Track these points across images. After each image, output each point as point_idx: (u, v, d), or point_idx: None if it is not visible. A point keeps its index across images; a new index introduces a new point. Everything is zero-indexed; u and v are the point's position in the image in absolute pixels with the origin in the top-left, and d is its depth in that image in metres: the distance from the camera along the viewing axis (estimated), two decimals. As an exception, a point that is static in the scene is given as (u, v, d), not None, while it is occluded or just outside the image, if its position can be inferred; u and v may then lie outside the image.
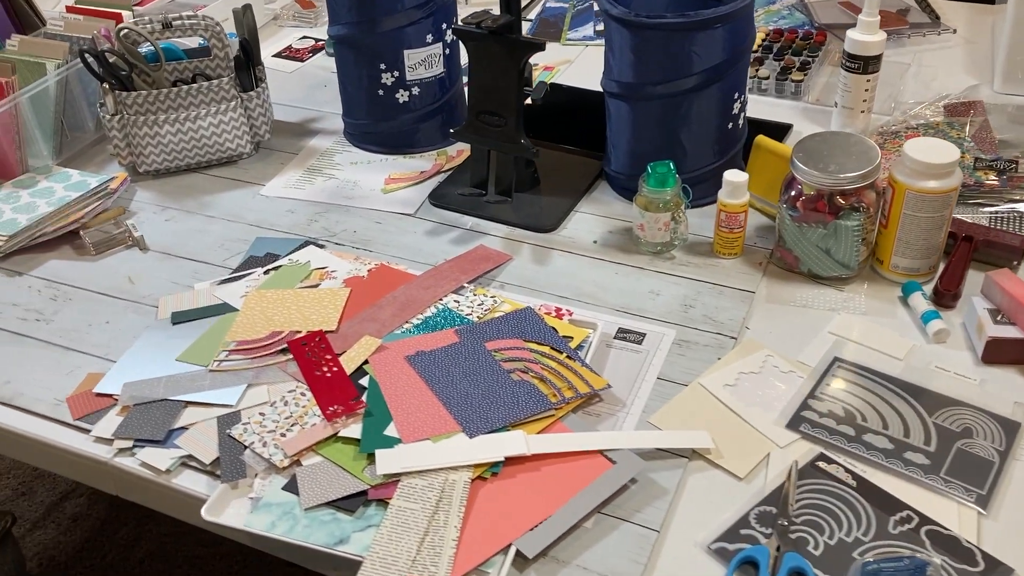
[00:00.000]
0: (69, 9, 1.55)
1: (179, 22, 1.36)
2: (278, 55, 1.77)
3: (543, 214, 1.26)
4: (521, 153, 1.20)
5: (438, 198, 1.31)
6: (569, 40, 1.78)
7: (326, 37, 1.82)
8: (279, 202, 1.33)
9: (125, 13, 1.52)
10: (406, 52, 1.34)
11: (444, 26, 1.36)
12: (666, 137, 1.22)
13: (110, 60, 1.33)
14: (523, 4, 1.85)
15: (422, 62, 1.36)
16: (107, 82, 1.34)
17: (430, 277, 1.15)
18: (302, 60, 1.76)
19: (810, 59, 1.58)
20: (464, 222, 1.27)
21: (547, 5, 1.92)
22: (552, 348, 1.01)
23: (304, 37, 1.84)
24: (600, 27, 1.80)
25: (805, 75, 1.53)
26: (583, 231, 1.24)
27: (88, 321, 1.12)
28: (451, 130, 1.23)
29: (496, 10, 1.20)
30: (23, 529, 1.85)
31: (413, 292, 1.12)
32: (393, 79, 1.36)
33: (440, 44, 1.37)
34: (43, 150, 1.41)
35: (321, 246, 1.23)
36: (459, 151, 1.43)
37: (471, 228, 1.26)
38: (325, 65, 1.73)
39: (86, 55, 1.33)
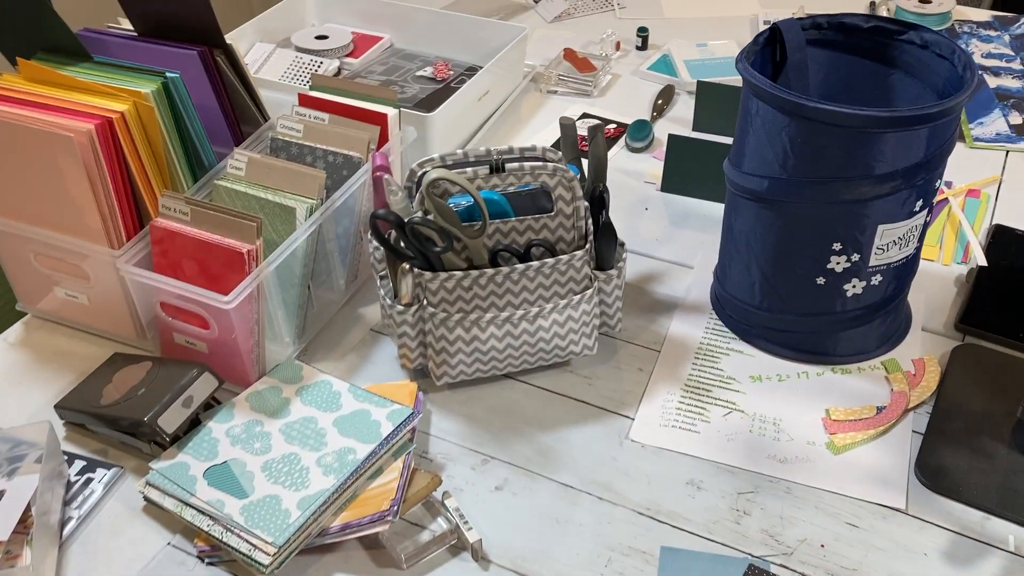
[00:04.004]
0: (302, 101, 1.07)
1: (514, 163, 0.86)
2: (557, 145, 1.28)
3: None
4: None
5: (936, 478, 0.80)
6: (978, 142, 1.24)
7: (628, 121, 1.31)
8: (665, 458, 0.84)
9: (391, 112, 1.03)
10: (881, 228, 0.84)
11: (937, 184, 0.85)
12: None
13: (418, 229, 0.84)
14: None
15: (898, 241, 0.86)
16: (406, 260, 0.86)
17: None
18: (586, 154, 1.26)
19: None
20: (1001, 534, 0.77)
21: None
22: None
23: (585, 116, 1.34)
24: (1017, 119, 1.26)
25: None
26: None
27: None
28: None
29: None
30: None
31: None
32: (848, 264, 0.86)
33: (926, 211, 0.86)
34: (284, 333, 0.95)
35: (780, 580, 0.74)
36: (921, 363, 0.92)
37: (1015, 550, 0.76)
38: (628, 167, 1.23)
39: (377, 221, 0.84)
